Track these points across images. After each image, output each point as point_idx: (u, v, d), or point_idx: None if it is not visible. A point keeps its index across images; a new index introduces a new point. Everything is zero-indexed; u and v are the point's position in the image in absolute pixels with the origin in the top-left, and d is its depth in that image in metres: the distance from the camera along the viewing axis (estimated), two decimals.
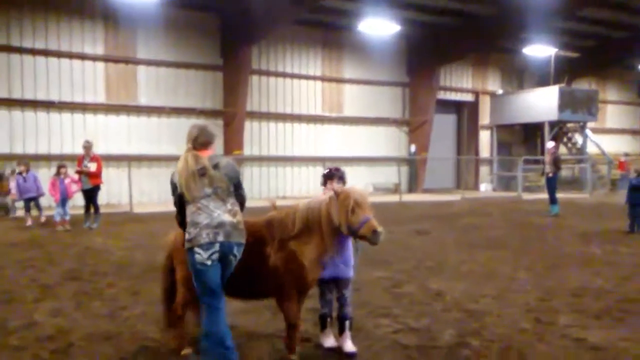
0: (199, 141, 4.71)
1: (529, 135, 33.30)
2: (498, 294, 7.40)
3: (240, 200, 4.72)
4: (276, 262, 4.76)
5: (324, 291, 5.34)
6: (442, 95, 29.94)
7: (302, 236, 4.77)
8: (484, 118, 31.80)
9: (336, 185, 5.16)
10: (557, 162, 17.07)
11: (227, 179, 4.55)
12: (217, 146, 21.61)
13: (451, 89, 30.80)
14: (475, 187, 30.94)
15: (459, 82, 31.12)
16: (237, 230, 4.45)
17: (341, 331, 5.28)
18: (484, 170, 31.98)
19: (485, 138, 32.04)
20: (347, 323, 5.26)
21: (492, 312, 6.53)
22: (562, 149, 31.90)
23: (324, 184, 5.39)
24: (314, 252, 4.74)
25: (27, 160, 16.16)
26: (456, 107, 32.29)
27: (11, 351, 5.35)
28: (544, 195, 18.65)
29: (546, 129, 29.13)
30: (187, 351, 5.08)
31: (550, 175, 16.97)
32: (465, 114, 32.37)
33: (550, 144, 18.45)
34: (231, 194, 4.58)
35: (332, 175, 5.34)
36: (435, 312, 6.62)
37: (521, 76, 33.48)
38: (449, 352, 5.26)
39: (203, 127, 4.92)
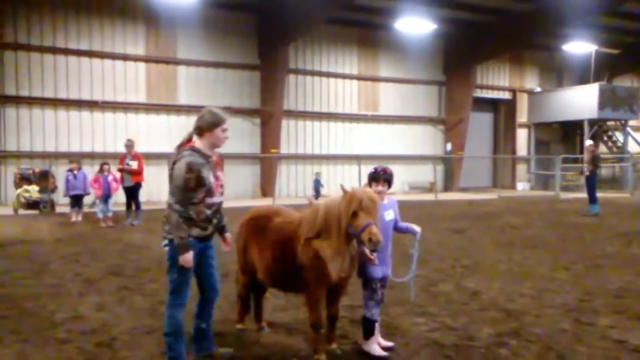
0: (195, 126, 4.67)
1: (567, 133, 32.72)
2: (536, 294, 7.34)
3: (169, 208, 4.45)
4: (302, 259, 4.93)
5: (375, 291, 5.09)
6: (479, 93, 29.65)
7: (322, 235, 4.87)
8: (522, 116, 31.38)
9: (380, 187, 5.07)
10: (595, 161, 16.80)
11: (170, 180, 4.47)
12: (255, 145, 21.93)
13: (488, 87, 30.47)
14: (512, 186, 30.56)
15: (496, 80, 30.77)
16: (163, 231, 4.66)
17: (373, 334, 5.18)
18: (521, 169, 31.56)
19: (522, 136, 31.61)
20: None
21: (531, 312, 6.49)
22: (603, 148, 31.26)
23: (369, 184, 5.16)
24: (332, 251, 4.81)
25: (79, 159, 16.62)
26: (493, 105, 31.94)
27: (58, 344, 5.54)
28: (583, 195, 18.34)
29: (586, 127, 28.60)
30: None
31: (589, 174, 16.72)
32: (502, 112, 31.99)
33: (588, 142, 18.17)
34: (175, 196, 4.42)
35: (378, 177, 5.11)
36: (472, 311, 6.62)
37: (560, 74, 32.91)
38: (486, 352, 5.26)
39: (206, 111, 4.70)
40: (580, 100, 28.41)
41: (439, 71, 28.68)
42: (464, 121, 28.03)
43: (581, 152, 29.21)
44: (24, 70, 19.75)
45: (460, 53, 27.43)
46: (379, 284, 5.08)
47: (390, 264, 5.25)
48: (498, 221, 15.48)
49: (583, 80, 30.84)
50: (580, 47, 28.99)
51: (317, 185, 23.41)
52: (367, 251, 4.71)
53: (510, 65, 31.04)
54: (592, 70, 29.72)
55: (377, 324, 5.13)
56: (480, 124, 30.74)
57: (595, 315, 6.39)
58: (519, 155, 31.03)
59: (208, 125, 4.57)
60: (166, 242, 4.61)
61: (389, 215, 5.16)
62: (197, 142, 4.62)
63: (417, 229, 5.21)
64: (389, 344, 5.29)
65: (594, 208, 16.58)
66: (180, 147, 4.65)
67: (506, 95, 31.38)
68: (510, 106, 31.56)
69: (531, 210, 18.55)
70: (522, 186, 30.46)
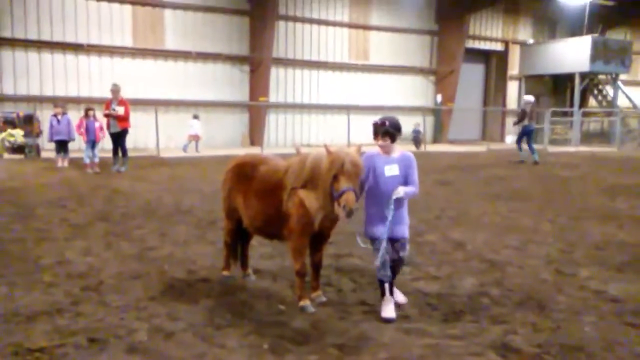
0: None
1: (558, 86, 32.60)
2: (519, 245, 7.45)
3: None
4: (287, 207, 4.96)
5: (378, 251, 4.83)
6: (471, 44, 29.33)
7: (308, 186, 4.86)
8: (513, 68, 31.18)
9: (381, 141, 4.89)
10: (521, 115, 18.54)
11: None
12: (244, 93, 21.79)
13: (480, 38, 30.13)
14: (501, 138, 30.62)
15: (488, 31, 30.42)
16: None
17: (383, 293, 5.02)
18: (510, 122, 31.57)
19: (513, 89, 31.51)
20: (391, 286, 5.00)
21: (513, 263, 6.60)
22: (592, 102, 31.27)
23: (374, 135, 4.95)
24: (317, 203, 4.80)
25: (64, 104, 16.39)
26: (485, 56, 31.68)
27: (45, 287, 5.58)
28: (571, 148, 18.45)
29: (577, 80, 28.49)
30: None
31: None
32: (493, 64, 31.77)
33: (529, 98, 18.95)
34: None
35: (376, 131, 4.89)
36: (456, 261, 6.71)
37: (554, 25, 32.56)
38: (468, 300, 5.36)
39: None
40: (572, 53, 28.22)
41: (432, 20, 28.26)
42: (455, 72, 27.83)
43: (571, 106, 29.22)
44: (5, 11, 19.18)
45: (454, 2, 26.97)
46: (384, 244, 4.79)
47: (405, 222, 4.97)
48: (485, 173, 15.57)
49: (576, 32, 30.55)
50: None
51: (417, 135, 23.55)
52: (342, 215, 4.57)
53: (503, 16, 30.63)
54: (585, 23, 29.39)
55: (386, 285, 4.93)
56: (471, 76, 30.53)
57: (576, 266, 6.51)
58: (509, 108, 30.97)
59: None
60: None
61: (391, 170, 4.87)
62: None
63: (399, 192, 4.80)
64: (402, 300, 5.21)
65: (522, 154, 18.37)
66: None
67: (498, 47, 31.09)
68: (502, 58, 31.30)
69: (519, 163, 18.64)
70: (511, 139, 30.51)
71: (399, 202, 4.84)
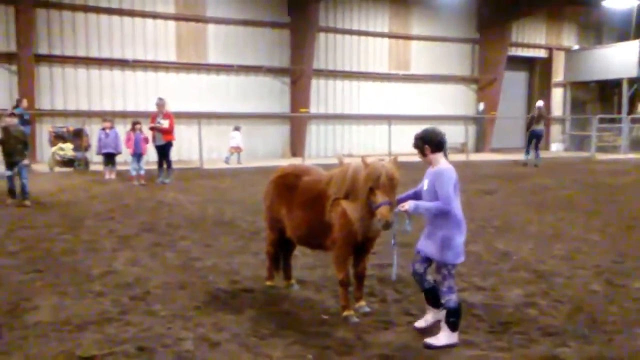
0: None
1: (605, 93, 31.75)
2: (568, 255, 7.27)
3: None
4: (331, 217, 4.99)
5: (416, 262, 4.82)
6: (514, 51, 28.85)
7: (349, 196, 4.88)
8: (558, 75, 30.54)
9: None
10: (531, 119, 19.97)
11: None
12: (285, 104, 21.90)
13: (523, 45, 29.61)
14: (546, 147, 30.01)
15: (531, 38, 29.87)
16: None
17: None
18: (555, 129, 30.90)
19: (557, 96, 30.84)
20: (444, 314, 4.64)
21: (561, 274, 6.44)
22: None
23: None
24: (358, 213, 4.81)
25: (112, 118, 16.88)
26: (528, 63, 31.10)
27: (94, 296, 5.74)
28: (620, 155, 18.00)
29: (624, 86, 27.72)
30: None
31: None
32: (537, 71, 31.15)
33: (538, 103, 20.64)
34: None
35: (415, 144, 4.74)
36: (502, 271, 6.60)
37: (599, 31, 31.76)
38: (515, 311, 5.26)
39: None
40: (620, 58, 27.46)
41: (473, 29, 27.95)
42: (498, 80, 27.43)
43: (619, 112, 28.44)
44: (56, 29, 19.83)
45: (496, 10, 26.62)
46: (421, 259, 4.78)
47: (434, 240, 4.62)
48: (530, 182, 15.26)
49: (623, 37, 29.75)
50: (620, 2, 27.84)
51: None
52: (379, 227, 4.64)
53: (547, 22, 30.05)
54: (632, 27, 28.59)
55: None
56: (514, 83, 30.02)
57: (627, 277, 6.31)
58: (554, 116, 30.35)
59: None
60: None
61: (425, 184, 4.73)
62: None
63: (403, 205, 4.62)
64: (425, 323, 4.97)
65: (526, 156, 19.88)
66: None
67: (542, 54, 30.51)
68: (546, 65, 30.69)
69: (565, 171, 18.23)
70: (556, 147, 29.90)
71: (430, 217, 4.62)
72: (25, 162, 11.20)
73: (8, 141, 10.94)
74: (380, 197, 4.54)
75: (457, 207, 4.59)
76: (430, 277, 4.81)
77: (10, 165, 10.97)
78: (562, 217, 10.01)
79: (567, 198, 12.43)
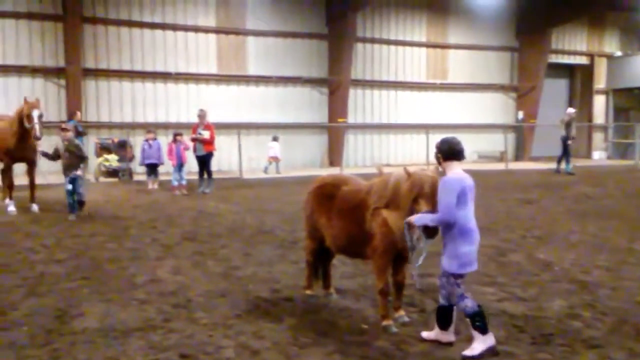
0: None
1: None
2: (612, 266, 7.13)
3: None
4: (371, 227, 5.01)
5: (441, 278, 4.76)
6: (554, 58, 28.37)
7: (390, 206, 4.91)
8: (599, 82, 29.89)
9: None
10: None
11: None
12: (323, 114, 22.07)
13: (564, 52, 29.09)
14: (588, 155, 29.35)
15: (572, 44, 29.33)
16: None
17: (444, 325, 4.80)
18: (597, 137, 30.21)
19: (599, 103, 30.17)
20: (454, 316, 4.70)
21: (606, 285, 6.32)
22: None
23: None
24: (400, 222, 4.82)
25: (154, 129, 17.35)
26: (569, 70, 30.56)
27: (138, 304, 5.90)
28: None
29: None
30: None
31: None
32: (578, 78, 30.57)
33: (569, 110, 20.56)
34: None
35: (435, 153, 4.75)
36: (544, 282, 6.51)
37: None
38: (558, 323, 5.19)
39: None
40: None
41: (511, 36, 27.62)
42: (537, 88, 26.99)
43: None
44: (102, 43, 20.46)
45: (534, 16, 26.23)
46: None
47: (445, 252, 4.63)
48: (572, 191, 14.97)
49: None
50: None
51: None
52: (422, 236, 4.69)
53: (588, 28, 29.47)
54: None
55: (453, 314, 4.75)
56: (554, 91, 29.50)
57: None
58: (596, 123, 29.70)
59: None
60: None
61: None
62: None
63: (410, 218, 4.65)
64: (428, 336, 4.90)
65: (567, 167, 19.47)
66: None
67: (583, 60, 29.91)
68: (587, 71, 30.08)
69: (607, 180, 17.82)
70: (598, 155, 29.23)
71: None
72: (78, 172, 11.05)
73: (66, 156, 11.01)
74: (424, 206, 4.58)
75: (464, 216, 4.51)
76: (444, 291, 4.71)
77: (69, 179, 10.94)
78: (605, 227, 9.80)
79: (611, 207, 12.15)
